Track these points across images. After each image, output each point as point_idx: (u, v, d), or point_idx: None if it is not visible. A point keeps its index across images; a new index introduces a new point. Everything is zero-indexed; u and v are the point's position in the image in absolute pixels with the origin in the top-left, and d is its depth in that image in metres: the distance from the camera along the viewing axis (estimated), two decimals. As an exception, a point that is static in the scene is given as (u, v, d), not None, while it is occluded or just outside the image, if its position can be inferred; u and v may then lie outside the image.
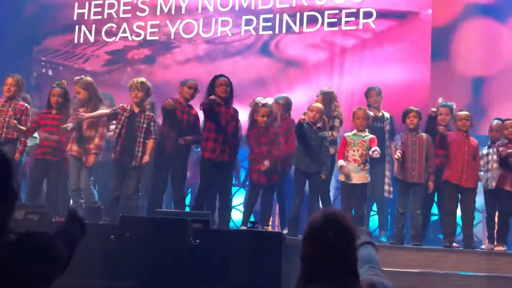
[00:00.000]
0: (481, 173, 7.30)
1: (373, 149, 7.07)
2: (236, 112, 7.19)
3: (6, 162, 2.05)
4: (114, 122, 7.36)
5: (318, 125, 7.34)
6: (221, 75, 7.21)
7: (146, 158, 7.13)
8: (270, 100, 7.39)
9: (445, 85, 9.09)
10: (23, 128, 7.34)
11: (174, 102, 7.34)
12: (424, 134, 7.40)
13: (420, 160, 7.29)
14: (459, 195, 7.24)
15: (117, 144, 7.14)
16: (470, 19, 9.34)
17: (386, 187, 7.87)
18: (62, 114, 7.39)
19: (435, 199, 7.65)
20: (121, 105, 7.36)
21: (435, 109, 7.60)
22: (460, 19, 9.37)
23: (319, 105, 7.48)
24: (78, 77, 7.47)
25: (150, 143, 7.19)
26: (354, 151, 7.24)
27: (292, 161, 7.42)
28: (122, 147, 7.12)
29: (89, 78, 7.50)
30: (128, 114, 7.19)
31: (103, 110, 7.25)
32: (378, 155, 7.09)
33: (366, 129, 7.40)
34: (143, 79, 7.33)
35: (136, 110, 7.24)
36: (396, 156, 7.20)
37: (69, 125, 7.14)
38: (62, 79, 7.73)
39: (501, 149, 7.15)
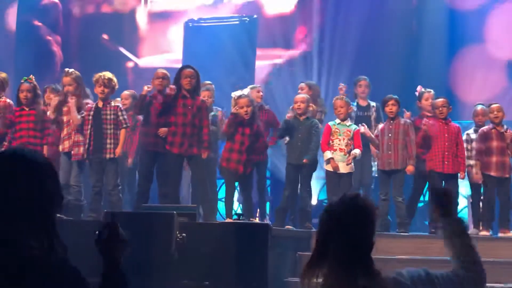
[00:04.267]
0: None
1: (355, 151, 7.14)
2: (203, 103, 7.16)
3: (44, 163, 1.95)
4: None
5: (307, 114, 7.33)
6: (188, 66, 7.14)
7: (118, 150, 7.06)
8: (246, 91, 7.34)
9: (480, 69, 9.04)
10: None
11: (150, 99, 7.28)
12: (402, 120, 7.37)
13: (396, 147, 7.27)
14: (443, 182, 7.26)
15: (90, 143, 7.08)
16: (503, 2, 9.24)
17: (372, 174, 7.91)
18: (35, 110, 7.31)
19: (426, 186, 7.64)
20: (86, 105, 7.28)
21: None
22: (493, 2, 9.27)
23: (303, 95, 7.48)
24: (69, 69, 7.39)
25: (122, 133, 7.13)
26: (340, 140, 7.25)
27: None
28: (94, 143, 7.07)
29: (77, 72, 7.42)
30: (92, 111, 7.13)
31: (76, 116, 7.15)
32: (358, 157, 7.19)
33: (349, 118, 7.42)
34: (109, 75, 7.21)
35: (100, 104, 7.17)
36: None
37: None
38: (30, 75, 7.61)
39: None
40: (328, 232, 2.25)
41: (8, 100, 7.51)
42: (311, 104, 7.51)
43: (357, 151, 7.18)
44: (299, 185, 7.35)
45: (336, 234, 2.21)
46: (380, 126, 7.46)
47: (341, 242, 2.20)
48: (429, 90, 7.79)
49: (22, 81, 7.39)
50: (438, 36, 9.16)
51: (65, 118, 7.32)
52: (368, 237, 2.23)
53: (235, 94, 7.26)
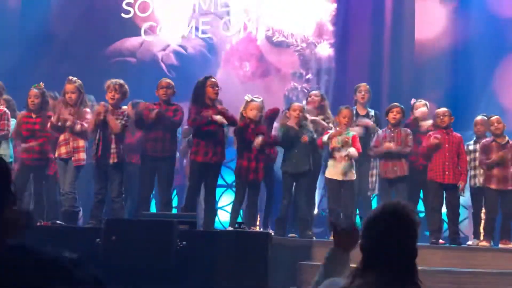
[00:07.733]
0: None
1: (351, 149, 7.11)
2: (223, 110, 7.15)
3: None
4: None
5: (302, 123, 7.30)
6: (210, 76, 7.12)
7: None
8: (258, 99, 7.31)
9: None
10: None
11: (153, 107, 7.25)
12: (403, 129, 7.37)
13: (398, 155, 7.26)
14: (444, 192, 7.25)
15: (98, 148, 7.04)
16: None
17: (370, 185, 7.85)
18: (41, 117, 7.31)
19: (421, 196, 7.65)
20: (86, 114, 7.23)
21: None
22: None
23: (298, 104, 7.45)
24: (72, 78, 7.34)
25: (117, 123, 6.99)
26: (340, 151, 7.21)
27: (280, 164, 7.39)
28: (102, 149, 7.01)
29: (80, 81, 7.37)
30: (101, 117, 7.09)
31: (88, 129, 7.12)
32: (353, 155, 7.15)
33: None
34: (121, 81, 7.17)
35: (110, 110, 7.14)
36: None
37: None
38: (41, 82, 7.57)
39: (477, 156, 7.17)
40: (378, 242, 2.26)
41: (4, 109, 7.48)
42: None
43: (352, 149, 7.13)
44: (296, 193, 7.31)
45: (387, 244, 2.23)
46: (381, 133, 7.42)
47: (391, 251, 2.22)
48: (420, 100, 7.76)
49: (32, 87, 7.39)
50: (482, 44, 9.16)
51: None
52: (415, 245, 2.27)
53: (248, 96, 7.20)
